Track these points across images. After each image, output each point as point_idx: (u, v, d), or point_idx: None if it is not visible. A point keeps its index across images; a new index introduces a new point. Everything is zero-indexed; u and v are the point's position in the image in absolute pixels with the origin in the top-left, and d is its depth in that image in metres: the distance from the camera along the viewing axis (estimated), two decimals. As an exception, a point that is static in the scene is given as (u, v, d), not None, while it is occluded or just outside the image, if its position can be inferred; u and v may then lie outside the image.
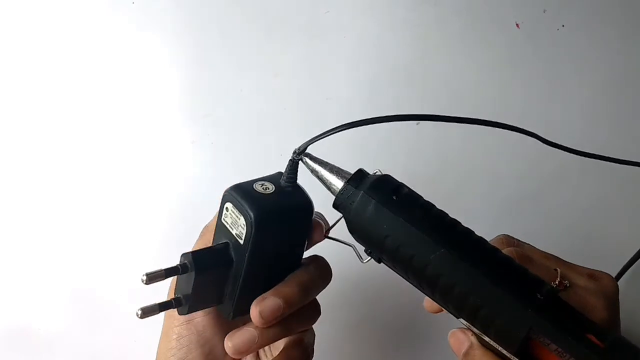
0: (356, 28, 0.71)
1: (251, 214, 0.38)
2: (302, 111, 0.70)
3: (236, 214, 0.39)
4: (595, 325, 0.35)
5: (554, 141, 0.44)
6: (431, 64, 0.71)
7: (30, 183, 0.67)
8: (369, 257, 0.39)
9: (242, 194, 0.39)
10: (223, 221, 0.40)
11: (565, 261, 0.43)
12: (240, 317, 0.41)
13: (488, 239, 0.44)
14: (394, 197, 0.36)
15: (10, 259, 0.66)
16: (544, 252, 0.44)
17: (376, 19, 0.71)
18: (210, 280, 0.40)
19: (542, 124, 0.70)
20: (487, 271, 0.34)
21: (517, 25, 0.71)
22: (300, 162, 0.40)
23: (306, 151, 0.40)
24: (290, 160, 0.40)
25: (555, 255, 0.43)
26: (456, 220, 0.37)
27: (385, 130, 0.69)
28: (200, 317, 0.42)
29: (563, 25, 0.72)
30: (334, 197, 0.39)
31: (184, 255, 0.40)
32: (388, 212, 0.36)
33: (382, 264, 0.39)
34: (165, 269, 0.39)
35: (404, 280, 0.38)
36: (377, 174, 0.39)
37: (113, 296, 0.66)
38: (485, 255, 0.36)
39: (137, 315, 0.38)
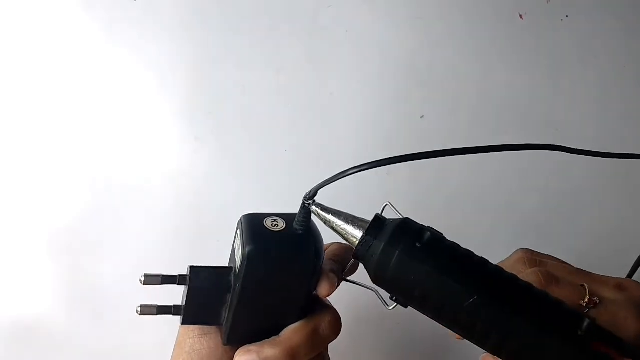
0: (359, 22, 0.71)
1: (247, 248, 0.36)
2: (305, 107, 0.70)
3: (239, 242, 0.38)
4: (634, 350, 0.34)
5: (563, 140, 0.42)
6: (434, 56, 0.71)
7: (36, 182, 0.67)
8: (395, 304, 0.36)
9: (249, 224, 0.38)
10: (234, 246, 0.40)
11: (590, 273, 0.42)
12: (234, 344, 0.40)
13: (508, 253, 0.43)
14: (417, 245, 0.34)
15: (17, 257, 0.66)
16: (567, 265, 0.42)
17: (378, 12, 0.71)
18: (206, 299, 0.39)
19: (546, 115, 0.70)
20: (524, 314, 0.33)
21: (521, 16, 0.71)
22: (311, 211, 0.37)
23: (318, 201, 0.37)
24: (301, 204, 0.37)
25: (578, 268, 0.42)
26: (484, 259, 0.35)
27: (388, 130, 0.69)
28: (214, 334, 0.42)
29: (567, 16, 0.71)
30: (354, 250, 0.37)
31: (189, 267, 0.40)
32: (413, 262, 0.34)
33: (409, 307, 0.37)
34: (164, 276, 0.39)
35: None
36: (386, 207, 0.37)
37: (119, 294, 0.66)
38: (518, 295, 0.34)
39: (137, 311, 0.39)
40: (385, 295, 0.37)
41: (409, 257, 0.34)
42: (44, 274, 0.66)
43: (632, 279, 0.52)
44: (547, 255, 0.43)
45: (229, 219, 0.42)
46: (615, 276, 0.42)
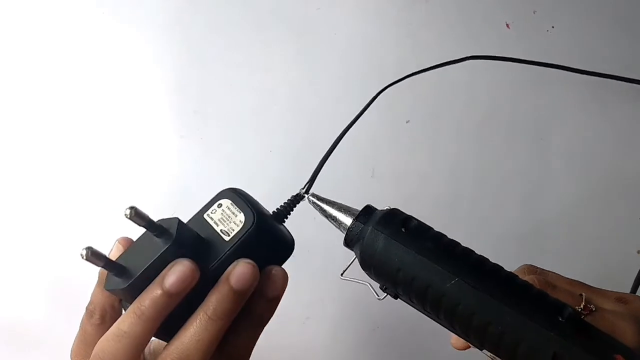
0: (347, 25, 0.71)
1: (254, 214, 0.37)
2: (292, 108, 0.70)
3: (233, 210, 0.38)
4: (623, 347, 0.34)
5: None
6: (421, 61, 0.71)
7: (21, 179, 0.66)
8: (385, 294, 0.38)
9: (246, 197, 0.38)
10: (206, 217, 0.39)
11: (592, 287, 0.42)
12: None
13: (492, 258, 0.44)
14: (403, 230, 0.36)
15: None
16: (569, 279, 0.42)
17: (367, 16, 0.71)
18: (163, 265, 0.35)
19: (531, 123, 0.70)
20: (505, 297, 0.34)
21: (508, 25, 0.72)
22: (308, 201, 0.41)
23: (313, 192, 0.41)
24: (296, 194, 0.41)
25: (581, 281, 0.42)
26: (469, 249, 0.37)
27: (374, 134, 0.70)
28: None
29: (553, 27, 0.72)
30: (344, 235, 0.39)
31: (166, 220, 0.37)
32: (398, 245, 0.36)
33: (399, 299, 0.38)
34: (148, 222, 0.35)
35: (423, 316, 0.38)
36: (386, 209, 0.39)
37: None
38: (502, 281, 0.35)
39: (82, 254, 0.34)
40: (377, 287, 0.39)
41: (395, 240, 0.36)
42: (24, 273, 0.66)
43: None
44: (551, 271, 0.43)
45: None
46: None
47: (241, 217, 0.37)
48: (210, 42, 0.70)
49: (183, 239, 0.36)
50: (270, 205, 0.41)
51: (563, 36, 0.72)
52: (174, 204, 0.68)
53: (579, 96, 0.71)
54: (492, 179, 0.70)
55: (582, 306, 0.38)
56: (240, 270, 0.35)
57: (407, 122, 0.70)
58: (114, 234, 0.66)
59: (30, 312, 0.65)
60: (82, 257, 0.33)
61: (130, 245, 0.37)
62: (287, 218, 0.40)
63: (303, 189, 0.41)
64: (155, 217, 0.66)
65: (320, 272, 0.66)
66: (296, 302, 0.66)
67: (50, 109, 0.68)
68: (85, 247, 0.33)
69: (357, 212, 0.39)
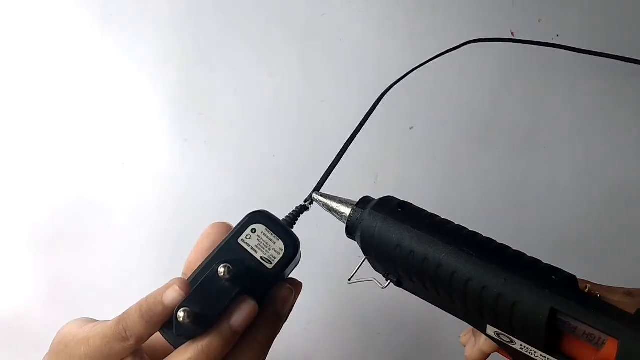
0: (352, 31, 0.71)
1: (292, 241, 0.40)
2: (296, 112, 0.70)
3: (270, 237, 0.40)
4: (618, 309, 0.33)
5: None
6: (425, 69, 0.71)
7: (21, 177, 0.67)
8: (388, 282, 0.40)
9: (276, 221, 0.41)
10: (241, 242, 0.40)
11: (601, 284, 0.42)
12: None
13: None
14: (399, 210, 0.39)
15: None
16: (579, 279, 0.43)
17: (372, 22, 0.72)
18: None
19: (533, 131, 0.70)
20: (499, 261, 0.35)
21: (512, 33, 0.72)
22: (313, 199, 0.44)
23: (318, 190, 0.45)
24: (301, 205, 0.44)
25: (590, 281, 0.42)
26: (462, 226, 0.39)
27: (377, 140, 0.70)
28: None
29: (558, 35, 0.72)
30: (345, 224, 0.42)
31: (233, 262, 0.37)
32: (395, 222, 0.38)
33: (401, 288, 0.40)
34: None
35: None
36: None
37: (101, 292, 0.66)
38: (495, 249, 0.37)
39: (179, 317, 0.35)
40: (381, 279, 0.41)
41: (392, 218, 0.39)
42: (25, 271, 0.66)
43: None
44: None
45: (214, 220, 0.42)
46: None
47: (280, 244, 0.40)
48: (216, 46, 0.70)
49: (250, 282, 0.38)
50: (271, 211, 0.42)
51: (568, 44, 0.72)
52: (175, 206, 0.68)
53: (581, 111, 0.71)
54: (496, 186, 0.70)
55: (585, 291, 0.39)
56: (284, 296, 0.39)
57: (410, 129, 0.70)
58: (116, 235, 0.66)
59: (30, 312, 0.65)
60: (180, 320, 0.35)
61: (190, 289, 0.37)
62: (292, 227, 0.43)
63: (307, 201, 0.44)
64: (156, 220, 0.67)
65: (322, 278, 0.66)
66: (297, 307, 0.66)
67: (54, 109, 0.68)
68: (182, 309, 0.35)
69: (356, 202, 0.42)
